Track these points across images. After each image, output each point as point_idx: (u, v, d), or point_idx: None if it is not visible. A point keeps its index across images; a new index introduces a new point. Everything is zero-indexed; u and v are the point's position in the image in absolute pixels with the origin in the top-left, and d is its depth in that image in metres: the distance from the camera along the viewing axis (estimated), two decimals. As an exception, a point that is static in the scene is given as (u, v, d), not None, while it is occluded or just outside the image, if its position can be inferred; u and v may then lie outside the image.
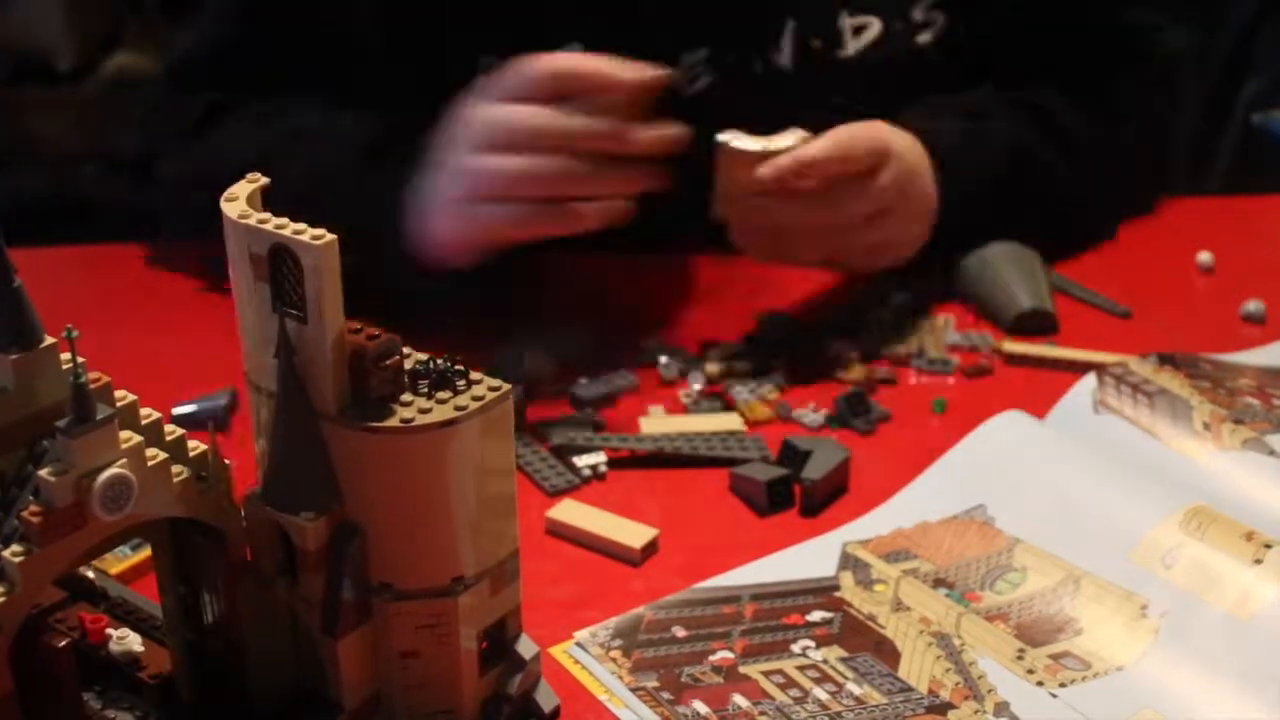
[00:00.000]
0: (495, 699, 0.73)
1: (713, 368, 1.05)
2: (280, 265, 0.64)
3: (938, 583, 0.83)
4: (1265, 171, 1.30)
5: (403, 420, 0.65)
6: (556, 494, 0.92)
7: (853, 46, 1.20)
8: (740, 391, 1.03)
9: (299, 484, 0.66)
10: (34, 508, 0.60)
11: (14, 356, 0.63)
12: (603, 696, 0.76)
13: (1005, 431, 0.94)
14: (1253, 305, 1.14)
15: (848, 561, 0.86)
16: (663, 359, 1.07)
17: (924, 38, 1.22)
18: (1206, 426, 0.92)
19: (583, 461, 0.95)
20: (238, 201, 0.66)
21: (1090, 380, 0.98)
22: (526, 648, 0.74)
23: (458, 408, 0.66)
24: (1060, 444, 0.92)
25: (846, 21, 1.20)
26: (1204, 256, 1.22)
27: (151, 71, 2.85)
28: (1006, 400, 0.99)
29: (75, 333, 0.62)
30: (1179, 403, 0.94)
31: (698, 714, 0.74)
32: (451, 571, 0.69)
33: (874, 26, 1.20)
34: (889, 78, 1.20)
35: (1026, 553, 0.85)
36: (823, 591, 0.83)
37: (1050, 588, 0.82)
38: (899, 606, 0.82)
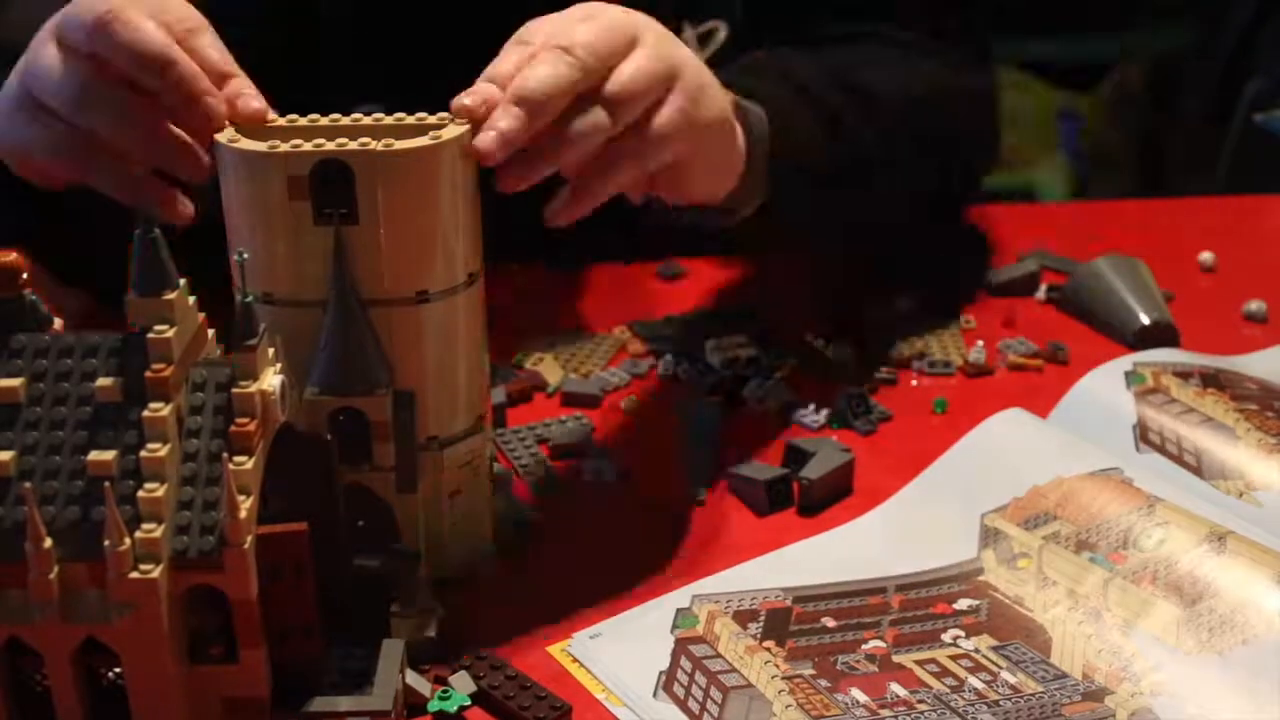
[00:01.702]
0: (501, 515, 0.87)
1: (715, 360, 1.05)
2: (326, 178, 0.73)
3: (1080, 545, 0.83)
4: (1266, 171, 1.30)
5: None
6: (545, 499, 0.92)
7: (703, 55, 1.11)
8: (749, 389, 1.03)
9: (362, 367, 0.76)
10: (240, 420, 0.65)
11: (168, 296, 0.66)
12: (601, 696, 0.76)
13: (1007, 430, 0.94)
14: (1254, 305, 1.14)
15: (988, 537, 0.86)
16: (666, 357, 1.07)
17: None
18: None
19: (591, 466, 0.95)
20: (242, 138, 0.75)
21: (1092, 380, 0.98)
22: (502, 470, 0.90)
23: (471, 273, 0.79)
24: (1062, 442, 0.92)
25: (690, 32, 1.14)
26: (1205, 256, 1.23)
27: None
28: (1007, 400, 0.98)
29: (245, 255, 0.71)
30: (1224, 432, 0.92)
31: (856, 701, 0.74)
32: (477, 410, 0.82)
33: (721, 31, 1.15)
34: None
35: (1168, 509, 0.83)
36: (966, 577, 0.84)
37: (1194, 543, 0.81)
38: (1045, 582, 0.82)
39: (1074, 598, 0.80)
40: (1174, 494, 0.85)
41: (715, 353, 1.06)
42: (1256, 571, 0.79)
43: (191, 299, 0.68)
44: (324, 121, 0.77)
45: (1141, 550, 0.82)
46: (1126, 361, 1.00)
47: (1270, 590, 0.77)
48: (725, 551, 0.87)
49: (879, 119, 1.07)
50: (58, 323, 0.69)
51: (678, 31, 1.04)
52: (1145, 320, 1.09)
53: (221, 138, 0.75)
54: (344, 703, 0.69)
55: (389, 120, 0.78)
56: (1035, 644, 0.78)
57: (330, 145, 0.74)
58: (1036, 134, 2.59)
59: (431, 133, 0.75)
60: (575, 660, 0.78)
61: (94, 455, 0.64)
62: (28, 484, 0.63)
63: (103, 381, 0.66)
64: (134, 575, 0.62)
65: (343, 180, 0.74)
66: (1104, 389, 0.98)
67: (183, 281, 0.67)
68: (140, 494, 0.63)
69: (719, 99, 0.89)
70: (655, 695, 0.75)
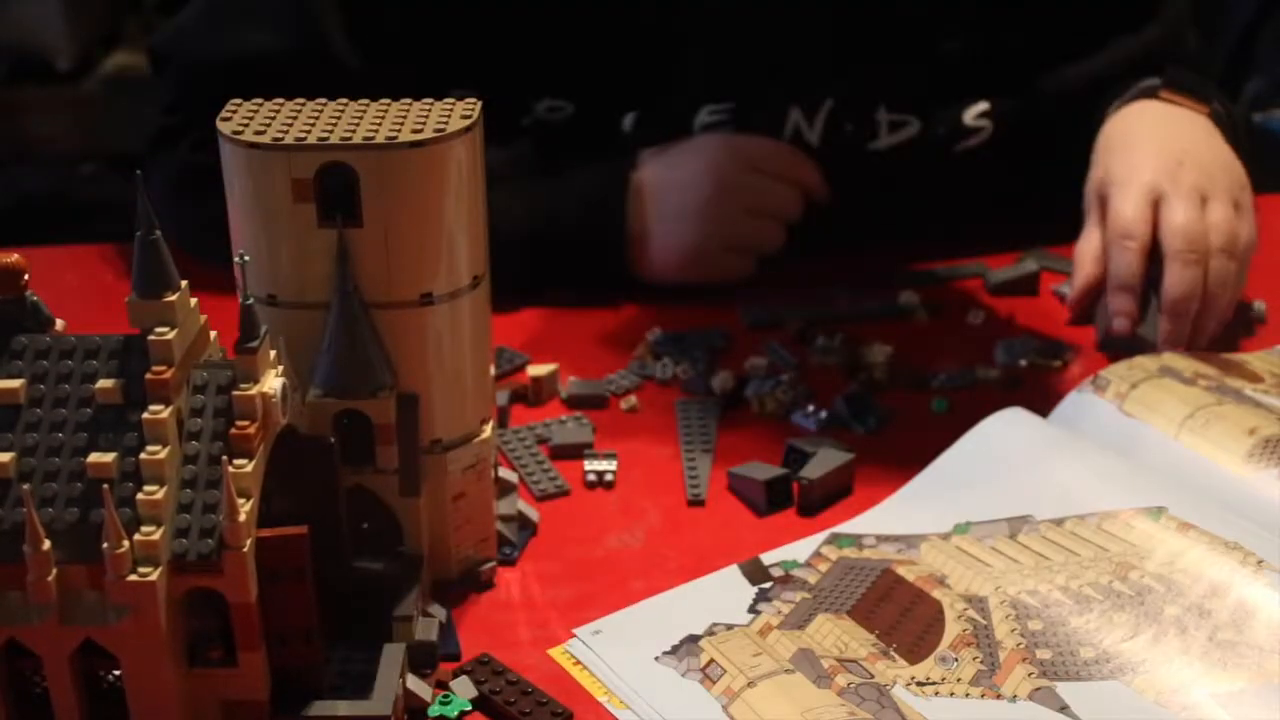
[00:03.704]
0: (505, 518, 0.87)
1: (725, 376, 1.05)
2: (330, 181, 0.73)
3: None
4: (1266, 171, 1.30)
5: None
6: (544, 499, 0.92)
7: (885, 141, 1.20)
8: (757, 386, 1.03)
9: (365, 369, 0.76)
10: (241, 423, 0.65)
11: (169, 298, 0.66)
12: (602, 697, 0.76)
13: (1007, 430, 0.94)
14: (1254, 305, 1.14)
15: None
16: (663, 360, 1.07)
17: (966, 144, 1.22)
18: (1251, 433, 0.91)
19: (591, 467, 0.95)
20: (247, 131, 0.74)
21: (1090, 381, 0.98)
22: (507, 473, 0.90)
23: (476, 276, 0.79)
24: (1061, 439, 0.92)
25: (883, 116, 1.20)
26: (1205, 257, 1.22)
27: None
28: (1007, 400, 0.98)
29: (247, 257, 0.71)
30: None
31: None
32: (482, 414, 0.82)
33: (912, 126, 1.21)
34: (911, 176, 1.21)
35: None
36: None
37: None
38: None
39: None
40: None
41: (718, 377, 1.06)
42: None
43: (193, 301, 0.68)
44: (329, 110, 0.77)
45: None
46: (1121, 366, 1.00)
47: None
48: (725, 551, 0.87)
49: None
50: (60, 323, 0.69)
51: (872, 110, 1.21)
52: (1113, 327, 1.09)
53: (225, 129, 0.75)
54: (343, 707, 0.68)
55: (396, 106, 0.77)
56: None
57: (335, 143, 0.73)
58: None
59: (436, 130, 0.75)
60: (577, 662, 0.78)
61: (94, 457, 0.64)
62: (27, 486, 0.63)
63: (103, 383, 0.66)
64: (133, 578, 0.62)
65: (347, 182, 0.74)
66: (1101, 391, 0.98)
67: (184, 283, 0.67)
68: (140, 496, 0.63)
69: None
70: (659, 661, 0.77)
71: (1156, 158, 1.09)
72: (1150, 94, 1.17)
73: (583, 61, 1.17)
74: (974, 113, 1.21)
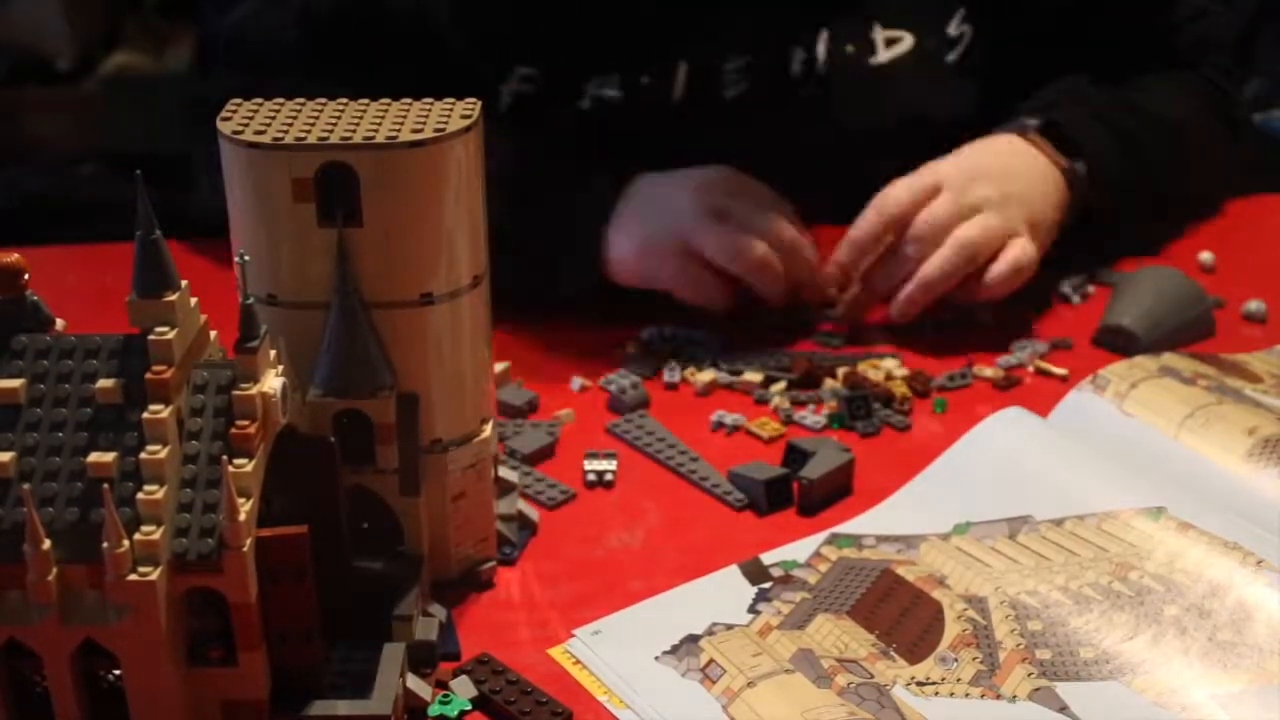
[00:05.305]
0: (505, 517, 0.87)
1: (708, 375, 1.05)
2: (330, 180, 0.73)
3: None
4: (1266, 171, 1.30)
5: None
6: (554, 507, 0.92)
7: (885, 56, 1.24)
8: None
9: (365, 369, 0.76)
10: (241, 422, 0.65)
11: (169, 298, 0.66)
12: (602, 697, 0.76)
13: (1007, 429, 0.94)
14: (1253, 305, 1.14)
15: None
16: (671, 364, 1.07)
17: (953, 55, 1.26)
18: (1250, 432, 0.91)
19: (591, 467, 0.95)
20: (247, 131, 0.74)
21: (1090, 381, 0.98)
22: (507, 473, 0.90)
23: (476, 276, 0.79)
24: (1060, 440, 0.92)
25: (879, 34, 1.24)
26: (1204, 256, 1.22)
27: (151, 70, 2.86)
28: (1007, 400, 0.98)
29: (247, 257, 0.70)
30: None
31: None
32: (481, 413, 0.82)
33: (906, 41, 1.24)
34: (917, 88, 1.25)
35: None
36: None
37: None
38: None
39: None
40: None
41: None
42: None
43: (193, 301, 0.68)
44: (329, 110, 0.77)
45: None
46: (1122, 366, 1.00)
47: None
48: (725, 551, 0.87)
49: (1165, 140, 1.23)
50: (60, 323, 0.69)
51: (867, 30, 1.22)
52: (1110, 322, 1.09)
53: (225, 129, 0.75)
54: (343, 706, 0.68)
55: (396, 105, 0.77)
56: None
57: (335, 143, 0.73)
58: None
59: (436, 130, 0.75)
60: (577, 662, 0.78)
61: (94, 457, 0.64)
62: (27, 485, 0.63)
63: (103, 383, 0.66)
64: (133, 577, 0.62)
65: (347, 182, 0.74)
66: (1101, 390, 0.98)
67: (184, 283, 0.67)
68: (140, 496, 0.63)
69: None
70: (659, 660, 0.76)
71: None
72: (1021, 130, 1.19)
73: (633, 26, 1.19)
74: (955, 21, 1.25)
